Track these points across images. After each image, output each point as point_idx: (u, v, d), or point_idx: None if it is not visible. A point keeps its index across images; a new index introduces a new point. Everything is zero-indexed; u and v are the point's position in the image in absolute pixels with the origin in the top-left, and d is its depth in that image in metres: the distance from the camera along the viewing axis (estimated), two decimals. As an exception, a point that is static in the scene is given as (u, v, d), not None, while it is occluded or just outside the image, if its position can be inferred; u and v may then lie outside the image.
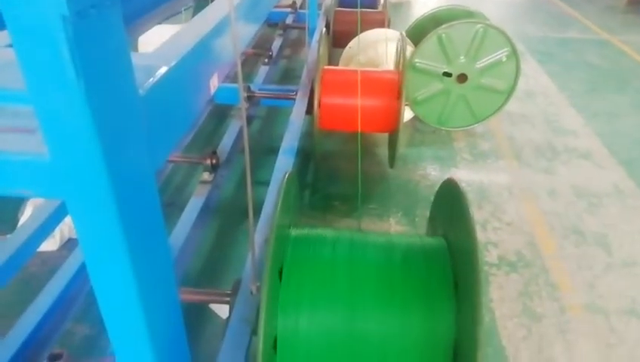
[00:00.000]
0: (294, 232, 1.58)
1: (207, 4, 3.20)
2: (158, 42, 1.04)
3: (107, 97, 0.71)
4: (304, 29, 4.77)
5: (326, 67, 3.33)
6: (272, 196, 2.13)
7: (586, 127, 4.16)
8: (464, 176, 3.42)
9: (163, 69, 0.91)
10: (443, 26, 3.66)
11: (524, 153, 3.74)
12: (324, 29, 3.44)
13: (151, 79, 0.87)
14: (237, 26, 1.36)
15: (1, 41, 1.02)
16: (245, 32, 1.69)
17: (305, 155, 3.50)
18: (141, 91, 0.83)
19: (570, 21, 7.38)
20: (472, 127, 3.96)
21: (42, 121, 0.69)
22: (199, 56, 1.09)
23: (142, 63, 0.90)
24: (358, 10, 4.39)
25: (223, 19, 1.26)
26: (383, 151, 3.66)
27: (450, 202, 1.57)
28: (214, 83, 1.21)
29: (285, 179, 1.46)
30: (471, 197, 3.17)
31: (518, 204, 3.12)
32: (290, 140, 2.66)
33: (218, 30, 1.24)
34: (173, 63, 0.95)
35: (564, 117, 4.35)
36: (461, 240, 1.44)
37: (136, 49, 3.99)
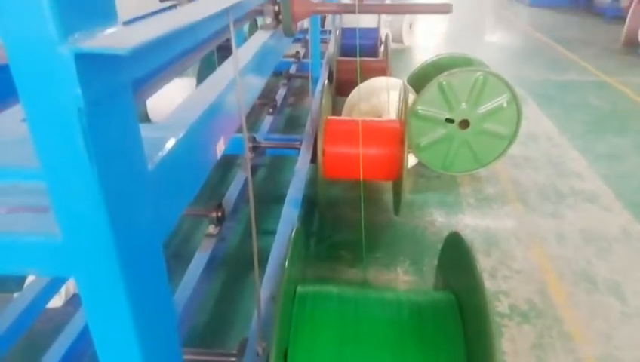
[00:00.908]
0: (301, 289, 1.57)
1: (212, 57, 3.29)
2: (166, 97, 1.07)
3: (118, 177, 0.73)
4: (307, 77, 4.90)
5: (329, 117, 3.39)
6: (277, 250, 2.13)
7: (589, 170, 4.17)
8: (470, 222, 3.40)
9: (171, 142, 0.94)
10: (444, 73, 3.75)
11: (529, 197, 3.74)
12: (326, 81, 3.53)
13: (159, 153, 0.90)
14: (243, 88, 1.40)
15: (16, 116, 1.06)
16: (251, 91, 1.74)
17: (310, 203, 3.51)
18: (150, 166, 0.85)
19: (568, 64, 7.54)
20: (476, 171, 3.98)
21: (54, 201, 0.71)
22: (206, 124, 1.12)
23: (150, 136, 0.93)
24: (357, 59, 4.52)
25: (229, 84, 1.30)
26: (389, 198, 3.67)
27: (457, 256, 1.56)
28: (221, 147, 1.24)
29: (291, 240, 1.46)
30: (478, 243, 3.14)
31: (526, 250, 3.09)
32: (294, 191, 2.68)
33: (225, 95, 1.28)
34: (181, 135, 0.98)
35: (567, 159, 4.36)
36: (470, 296, 1.42)
37: (145, 108, 4.09)
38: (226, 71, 1.41)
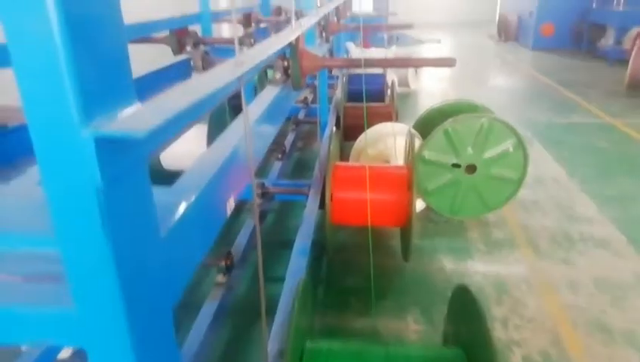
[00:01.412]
0: (310, 345, 1.55)
1: (224, 104, 3.38)
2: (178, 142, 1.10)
3: (131, 248, 0.75)
4: (316, 123, 5.00)
5: (337, 163, 3.43)
6: (286, 299, 2.11)
7: (599, 214, 4.13)
8: (480, 268, 3.36)
9: (183, 206, 0.96)
10: (449, 120, 3.80)
11: (539, 242, 3.70)
12: (334, 128, 3.60)
13: (171, 219, 0.92)
14: (252, 145, 1.44)
15: (33, 178, 1.09)
16: (261, 144, 1.79)
17: (319, 248, 3.50)
18: (162, 233, 0.87)
19: (573, 106, 7.61)
20: (484, 216, 3.96)
21: (68, 272, 0.73)
22: (217, 184, 1.15)
23: (163, 200, 0.96)
24: (364, 105, 4.61)
25: (239, 143, 1.34)
26: (397, 243, 3.65)
27: (466, 310, 1.54)
28: (231, 204, 1.26)
29: (298, 293, 1.46)
30: (488, 291, 3.10)
31: (538, 298, 3.03)
32: (303, 238, 2.68)
33: (235, 153, 1.31)
34: (193, 198, 1.00)
35: (576, 203, 4.34)
36: (480, 352, 1.39)
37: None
38: (236, 129, 1.45)
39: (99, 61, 0.64)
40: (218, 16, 4.29)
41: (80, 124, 0.60)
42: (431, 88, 9.02)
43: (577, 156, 5.49)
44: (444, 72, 10.63)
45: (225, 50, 3.04)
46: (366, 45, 9.20)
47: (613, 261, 3.44)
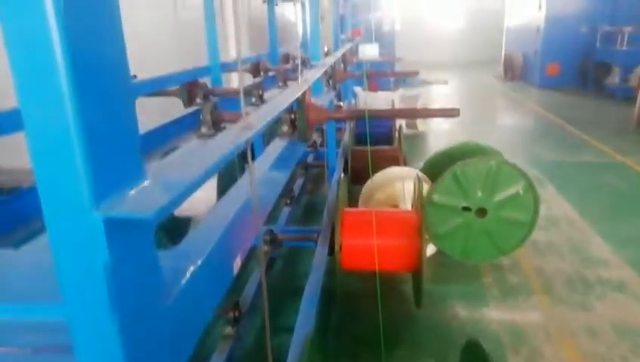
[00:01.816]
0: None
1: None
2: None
3: (138, 318, 0.76)
4: (325, 166, 5.04)
5: (346, 209, 3.44)
6: (294, 353, 2.08)
7: (615, 256, 4.05)
8: (495, 315, 3.28)
9: (190, 271, 0.97)
10: (458, 163, 3.81)
11: (555, 287, 3.62)
12: (342, 174, 3.63)
13: (178, 285, 0.93)
14: (259, 202, 1.46)
15: (44, 245, 1.11)
16: (269, 197, 1.81)
17: (328, 295, 3.45)
18: (169, 300, 0.88)
19: (582, 144, 7.61)
20: (497, 259, 3.90)
21: (76, 343, 0.74)
22: (224, 245, 1.16)
23: (169, 265, 0.97)
24: (368, 148, 4.65)
25: (246, 201, 1.36)
26: (409, 288, 3.59)
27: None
28: (238, 263, 1.27)
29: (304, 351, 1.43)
30: (505, 340, 3.01)
31: (556, 346, 2.94)
32: (312, 288, 2.66)
33: (242, 211, 1.33)
34: (199, 261, 1.01)
35: (591, 245, 4.27)
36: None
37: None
38: (243, 185, 1.47)
39: (110, 144, 0.67)
40: (227, 67, 4.43)
41: (91, 207, 0.63)
42: (439, 129, 9.10)
43: (589, 196, 5.44)
44: (452, 112, 10.74)
45: (234, 101, 3.13)
46: (373, 88, 9.38)
47: (632, 305, 3.34)
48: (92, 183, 0.64)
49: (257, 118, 1.34)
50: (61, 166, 0.64)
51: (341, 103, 7.23)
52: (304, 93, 2.11)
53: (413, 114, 3.00)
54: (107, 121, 0.67)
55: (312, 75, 2.55)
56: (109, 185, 0.66)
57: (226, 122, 2.28)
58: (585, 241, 4.34)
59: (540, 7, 13.44)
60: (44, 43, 0.59)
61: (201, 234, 1.16)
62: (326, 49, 7.27)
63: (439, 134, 8.66)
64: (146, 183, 0.75)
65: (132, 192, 0.70)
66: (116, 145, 0.69)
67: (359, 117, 2.28)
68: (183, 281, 0.94)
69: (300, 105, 2.14)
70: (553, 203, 5.25)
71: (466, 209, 3.84)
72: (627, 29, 11.21)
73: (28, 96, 0.63)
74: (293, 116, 2.19)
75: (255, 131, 1.18)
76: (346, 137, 5.61)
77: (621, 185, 5.76)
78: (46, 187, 0.66)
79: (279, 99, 1.80)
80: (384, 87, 9.89)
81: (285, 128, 2.17)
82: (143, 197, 0.69)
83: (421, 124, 8.78)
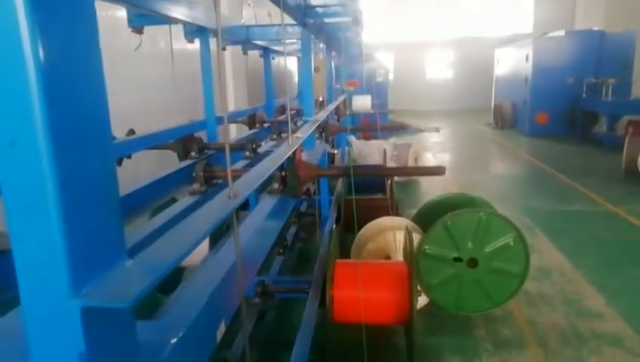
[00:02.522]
0: None
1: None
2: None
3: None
4: (319, 215, 5.06)
5: (338, 261, 3.44)
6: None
7: (609, 308, 4.03)
8: (488, 371, 3.23)
9: (169, 346, 0.98)
10: (448, 214, 3.85)
11: (549, 340, 3.58)
12: (334, 225, 3.65)
13: (157, 359, 0.93)
14: (245, 266, 1.47)
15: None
16: (257, 258, 1.82)
17: (319, 348, 3.39)
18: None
19: (573, 193, 7.70)
20: (490, 311, 3.87)
21: None
22: (207, 315, 1.16)
23: (149, 340, 0.97)
24: (353, 197, 4.71)
25: (231, 268, 1.37)
26: (402, 340, 3.54)
27: None
28: (221, 331, 1.27)
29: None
30: (498, 398, 2.94)
31: (551, 405, 2.87)
32: (302, 342, 2.63)
33: (227, 278, 1.34)
34: (180, 334, 1.02)
35: (584, 297, 4.25)
36: None
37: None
38: (228, 250, 1.49)
39: (91, 224, 0.69)
40: (223, 121, 4.51)
41: (68, 293, 0.65)
42: (432, 176, 9.19)
43: (582, 246, 5.46)
44: (445, 160, 10.91)
45: (231, 155, 3.19)
46: (366, 137, 9.56)
47: (627, 360, 3.30)
48: (70, 268, 0.66)
49: (245, 184, 1.38)
50: (39, 250, 0.65)
51: (335, 151, 7.36)
52: (295, 152, 2.16)
53: (399, 172, 3.07)
54: (88, 201, 0.69)
55: (303, 132, 2.62)
56: (88, 268, 0.68)
57: (218, 178, 2.32)
58: (578, 293, 4.33)
59: (527, 59, 13.94)
60: (24, 113, 0.62)
61: (182, 304, 1.17)
62: (321, 99, 7.47)
63: (432, 180, 8.74)
64: (127, 263, 0.77)
65: (112, 275, 0.72)
66: (97, 224, 0.72)
67: (348, 175, 2.33)
68: (163, 355, 0.95)
69: (290, 162, 2.19)
70: (545, 252, 5.26)
71: (458, 259, 3.85)
72: (611, 81, 11.61)
73: (5, 171, 0.65)
74: (284, 173, 2.24)
75: (242, 199, 1.21)
76: (339, 186, 5.66)
77: (613, 235, 5.79)
78: (23, 269, 0.67)
79: (269, 161, 1.85)
80: (377, 135, 10.07)
81: (276, 185, 2.22)
82: (122, 282, 0.71)
83: (414, 171, 8.88)
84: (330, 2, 3.11)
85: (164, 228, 1.79)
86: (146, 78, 5.43)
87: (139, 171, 3.78)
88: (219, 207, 1.14)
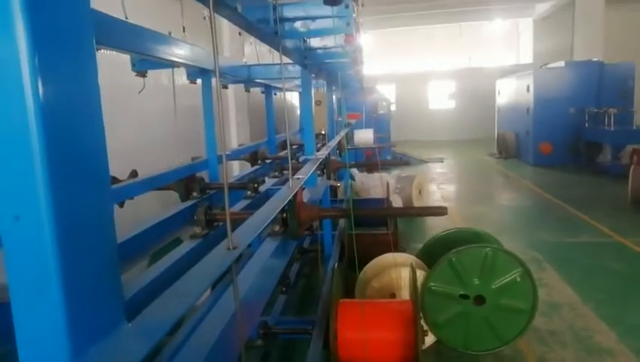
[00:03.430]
0: None
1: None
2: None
3: None
4: (322, 251, 5.02)
5: (341, 300, 3.39)
6: None
7: (621, 344, 3.92)
8: (499, 414, 3.12)
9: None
10: (453, 250, 3.81)
11: (561, 381, 3.47)
12: (337, 263, 3.62)
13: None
14: (244, 316, 1.45)
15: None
16: (259, 302, 1.80)
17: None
18: None
19: (580, 224, 7.62)
20: (499, 349, 3.78)
21: None
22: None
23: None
24: (353, 232, 4.69)
25: (230, 319, 1.35)
26: (408, 384, 3.44)
27: None
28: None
29: None
30: None
31: None
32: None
33: (227, 329, 1.32)
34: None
35: (595, 333, 4.14)
36: None
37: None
38: (229, 297, 1.47)
39: (90, 299, 0.69)
40: (226, 159, 4.56)
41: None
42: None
43: (591, 279, 5.36)
44: (449, 191, 10.89)
45: (232, 194, 3.21)
46: (369, 169, 9.56)
47: (642, 402, 3.19)
48: (70, 338, 0.65)
49: (245, 233, 1.38)
50: (40, 321, 0.66)
51: (338, 184, 7.37)
52: (296, 194, 2.16)
53: (401, 213, 3.09)
54: (89, 272, 0.70)
55: (304, 173, 2.63)
56: (87, 337, 0.68)
57: (220, 221, 2.32)
58: (588, 328, 4.22)
59: (528, 89, 14.09)
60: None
61: (186, 351, 1.15)
62: (323, 132, 7.54)
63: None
64: (125, 328, 0.77)
65: (111, 342, 0.71)
66: (97, 292, 0.72)
67: (345, 217, 2.33)
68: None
69: (291, 204, 2.19)
70: (554, 286, 5.16)
71: (464, 297, 3.79)
72: (612, 111, 11.68)
73: (9, 245, 0.66)
74: (285, 215, 2.24)
75: (241, 250, 1.21)
76: (342, 220, 5.63)
77: (622, 267, 5.70)
78: (23, 339, 0.67)
79: (269, 205, 1.85)
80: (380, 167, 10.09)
81: (277, 228, 2.21)
82: (121, 350, 0.70)
83: (418, 203, 8.86)
84: (329, 44, 3.18)
85: (164, 277, 1.78)
86: (150, 112, 5.53)
87: (140, 210, 3.79)
88: (217, 260, 1.13)
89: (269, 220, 1.60)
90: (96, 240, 0.74)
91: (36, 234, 0.62)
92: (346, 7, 2.23)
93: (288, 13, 2.22)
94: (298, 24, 2.34)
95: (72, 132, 0.70)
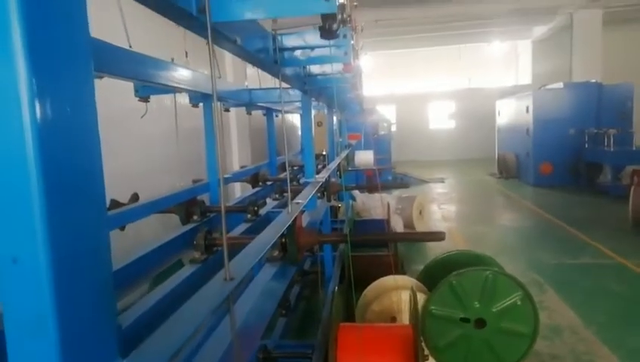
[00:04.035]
0: None
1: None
2: None
3: None
4: (322, 272, 5.01)
5: (341, 324, 3.37)
6: None
7: (625, 370, 3.88)
8: None
9: None
10: (454, 273, 3.80)
11: (563, 407, 3.42)
12: (337, 286, 3.61)
13: None
14: (240, 346, 1.45)
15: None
16: (258, 329, 1.80)
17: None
18: None
19: (581, 245, 7.60)
20: (500, 375, 3.73)
21: None
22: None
23: None
24: (349, 254, 4.67)
25: (228, 347, 1.36)
26: (409, 409, 3.40)
27: None
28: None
29: None
30: None
31: None
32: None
33: (225, 357, 1.33)
34: None
35: (597, 357, 4.10)
36: None
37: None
38: (225, 327, 1.48)
39: (86, 340, 0.70)
40: (227, 182, 4.61)
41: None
42: (437, 229, 9.15)
43: (592, 301, 5.33)
44: (450, 211, 10.89)
45: (232, 217, 3.23)
46: (370, 189, 9.58)
47: None
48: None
49: (243, 262, 1.39)
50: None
51: (339, 205, 7.38)
52: (295, 219, 2.18)
53: (399, 238, 3.13)
54: (85, 314, 0.71)
55: (304, 197, 2.65)
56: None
57: (219, 246, 2.33)
58: (590, 352, 4.18)
59: (527, 110, 14.19)
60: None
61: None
62: (324, 152, 7.58)
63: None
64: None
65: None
66: (93, 333, 0.73)
67: (343, 242, 2.34)
68: None
69: (290, 229, 2.21)
70: (555, 309, 5.13)
71: (465, 320, 3.76)
72: (612, 131, 11.74)
73: (6, 288, 0.67)
74: (284, 240, 2.25)
75: (238, 282, 1.22)
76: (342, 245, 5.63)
77: (624, 289, 5.66)
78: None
79: (268, 232, 1.87)
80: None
81: (276, 253, 2.22)
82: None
83: (418, 224, 8.85)
84: (328, 70, 3.24)
85: (163, 303, 1.79)
86: (153, 135, 5.59)
87: (141, 232, 3.81)
88: (214, 291, 1.15)
89: (267, 248, 1.62)
90: (92, 276, 0.75)
91: (34, 276, 0.63)
92: (344, 37, 2.29)
93: (287, 42, 2.27)
94: (297, 53, 2.39)
95: (71, 164, 0.71)
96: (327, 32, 1.54)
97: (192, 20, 1.26)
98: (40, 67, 0.64)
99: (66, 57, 0.70)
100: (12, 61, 0.62)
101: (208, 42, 1.29)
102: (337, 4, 1.26)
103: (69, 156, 0.71)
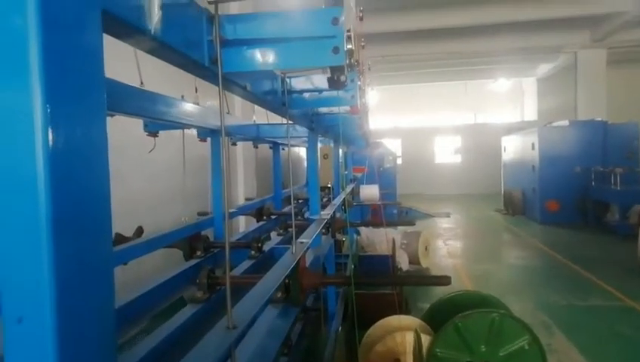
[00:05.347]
0: None
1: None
2: None
3: None
4: (325, 309, 4.92)
5: (344, 365, 3.30)
6: None
7: (638, 420, 3.74)
8: None
9: None
10: (459, 315, 3.73)
11: None
12: (340, 325, 3.55)
13: None
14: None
15: None
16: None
17: None
18: None
19: (590, 286, 7.46)
20: (508, 423, 3.60)
21: None
22: None
23: None
24: (353, 292, 4.60)
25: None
26: None
27: None
28: None
29: None
30: None
31: None
32: None
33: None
34: None
35: (609, 406, 3.96)
36: None
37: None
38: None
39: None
40: (232, 216, 4.62)
41: None
42: (443, 265, 9.05)
43: (602, 345, 5.19)
44: (456, 247, 10.78)
45: (235, 252, 3.21)
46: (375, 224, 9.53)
47: None
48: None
49: (246, 309, 1.38)
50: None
51: (343, 238, 7.33)
52: (299, 261, 2.17)
53: (404, 282, 3.12)
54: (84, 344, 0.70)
55: (308, 236, 2.64)
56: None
57: (221, 285, 2.31)
58: (602, 401, 4.05)
59: (533, 147, 14.22)
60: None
61: None
62: (329, 185, 7.59)
63: (443, 271, 8.57)
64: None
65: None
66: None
67: (346, 284, 2.32)
68: None
69: (293, 271, 2.19)
70: (564, 353, 5.00)
71: (471, 364, 3.67)
72: (619, 170, 11.70)
73: (10, 348, 0.67)
74: (287, 281, 2.23)
75: (241, 330, 1.21)
76: (347, 280, 5.56)
77: (633, 332, 5.52)
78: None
79: (271, 276, 1.85)
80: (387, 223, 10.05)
81: (279, 294, 2.20)
82: None
83: (424, 260, 8.76)
84: (335, 110, 3.28)
85: (163, 347, 1.76)
86: (161, 164, 5.64)
87: (143, 266, 3.79)
88: (216, 341, 1.13)
89: (271, 292, 1.60)
90: (96, 330, 0.74)
91: (39, 335, 0.63)
92: (352, 81, 2.33)
93: (296, 84, 2.31)
94: (305, 95, 2.43)
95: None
96: (335, 83, 1.57)
97: (204, 70, 1.29)
98: (55, 96, 0.65)
99: (80, 89, 0.71)
100: (29, 88, 0.64)
101: (219, 90, 1.32)
102: (345, 56, 1.28)
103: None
